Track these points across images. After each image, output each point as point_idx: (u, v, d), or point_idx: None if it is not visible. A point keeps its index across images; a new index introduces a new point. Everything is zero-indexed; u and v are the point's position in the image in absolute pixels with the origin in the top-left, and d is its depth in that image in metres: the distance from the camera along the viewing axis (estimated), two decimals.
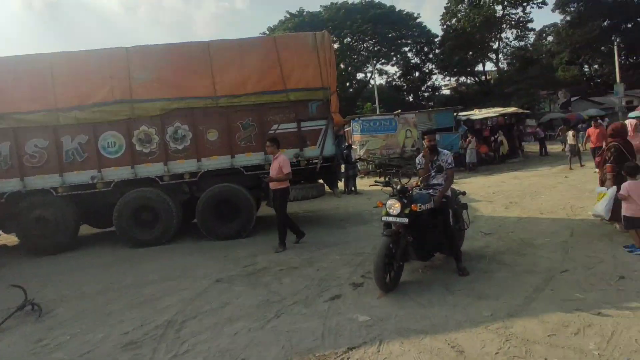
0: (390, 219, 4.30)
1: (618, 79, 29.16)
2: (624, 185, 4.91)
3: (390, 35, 39.64)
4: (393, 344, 3.20)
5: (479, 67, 43.12)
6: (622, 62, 38.37)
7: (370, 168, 16.65)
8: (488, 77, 43.12)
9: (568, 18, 43.80)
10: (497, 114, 18.99)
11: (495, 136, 18.20)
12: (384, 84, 44.66)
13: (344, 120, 12.04)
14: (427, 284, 4.41)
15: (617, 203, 5.16)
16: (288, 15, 38.31)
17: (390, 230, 4.31)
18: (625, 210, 4.89)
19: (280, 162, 6.26)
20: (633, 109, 24.94)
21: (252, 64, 7.32)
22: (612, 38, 34.64)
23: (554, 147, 21.29)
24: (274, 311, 4.03)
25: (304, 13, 38.21)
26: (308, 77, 7.45)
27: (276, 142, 6.42)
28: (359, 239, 6.67)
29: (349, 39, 39.37)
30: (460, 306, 3.79)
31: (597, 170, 6.65)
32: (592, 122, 9.96)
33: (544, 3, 39.85)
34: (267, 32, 37.10)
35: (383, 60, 41.53)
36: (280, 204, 6.34)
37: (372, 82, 38.71)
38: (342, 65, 39.18)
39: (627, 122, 7.27)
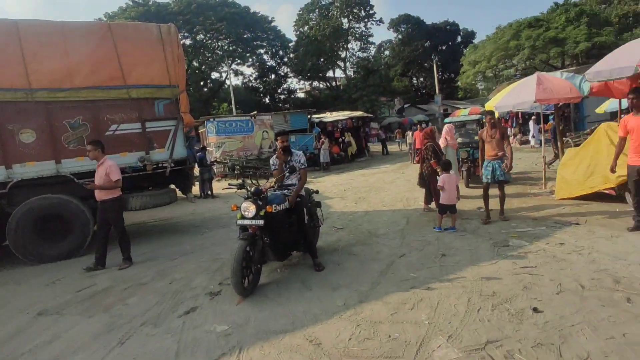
0: (246, 221, 4.21)
1: (437, 91, 35.39)
2: (441, 177, 5.98)
3: (245, 36, 39.55)
4: (253, 349, 3.12)
5: (330, 73, 46.74)
6: (440, 77, 46.77)
7: (228, 170, 16.28)
8: (338, 83, 47.01)
9: (400, 37, 51.29)
10: (346, 117, 20.84)
11: (343, 137, 19.90)
12: (240, 84, 44.40)
13: (196, 121, 11.40)
14: (286, 283, 4.47)
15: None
16: (130, 3, 34.48)
17: (246, 234, 4.23)
18: (442, 198, 5.93)
19: (108, 168, 5.39)
20: (448, 115, 30.60)
21: (80, 53, 6.25)
22: (432, 57, 41.93)
23: (393, 147, 24.47)
24: (117, 337, 3.50)
25: (150, 2, 34.97)
26: (153, 73, 6.77)
27: (99, 145, 5.51)
28: (216, 245, 6.39)
29: (202, 36, 37.76)
30: (317, 300, 3.95)
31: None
32: (418, 126, 11.72)
33: (381, 21, 46.11)
34: (105, 20, 32.69)
35: (239, 61, 41.17)
36: (115, 216, 5.53)
37: (227, 82, 38.00)
38: (195, 63, 37.40)
39: (445, 126, 8.81)
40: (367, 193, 10.03)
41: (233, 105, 29.96)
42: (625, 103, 9.47)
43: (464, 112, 24.57)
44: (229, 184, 4.69)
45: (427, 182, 7.00)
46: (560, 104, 10.89)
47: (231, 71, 38.79)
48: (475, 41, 45.91)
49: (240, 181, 4.64)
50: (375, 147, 25.09)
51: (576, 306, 3.31)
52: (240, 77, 45.04)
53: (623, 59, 6.35)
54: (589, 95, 8.15)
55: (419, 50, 49.27)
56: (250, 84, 44.78)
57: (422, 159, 7.11)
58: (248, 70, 47.76)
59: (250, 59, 41.96)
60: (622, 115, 6.41)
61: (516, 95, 8.35)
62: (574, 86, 7.85)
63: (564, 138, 11.59)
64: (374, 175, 13.62)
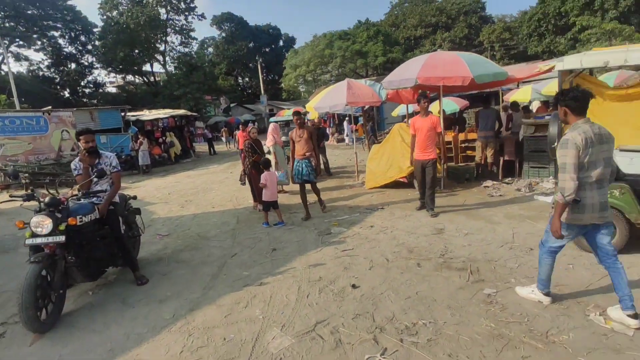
0: (39, 240, 3.41)
1: (262, 91, 36.56)
2: (263, 175, 6.15)
3: (29, 12, 32.25)
4: None
5: (148, 67, 42.55)
6: (265, 78, 48.43)
7: (10, 179, 12.97)
8: (157, 79, 43.27)
9: (223, 35, 50.71)
10: (168, 115, 19.31)
11: (164, 137, 18.40)
12: (25, 72, 36.04)
13: None
14: (101, 306, 3.84)
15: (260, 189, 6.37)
16: None
17: (41, 255, 3.42)
18: (264, 195, 6.11)
19: None
20: (274, 115, 31.98)
21: None
22: (256, 57, 42.99)
23: (220, 147, 24.02)
24: None
25: None
26: None
27: None
28: None
29: None
30: (141, 317, 3.53)
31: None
32: (240, 126, 11.66)
33: (203, 16, 44.18)
34: None
35: (21, 43, 33.32)
36: None
37: (5, 68, 30.26)
38: None
39: (271, 125, 9.07)
40: (194, 195, 9.54)
41: (15, 98, 24.02)
42: (411, 108, 11.77)
43: (288, 113, 26.17)
44: (11, 196, 3.73)
45: (249, 180, 7.08)
46: (367, 107, 12.73)
47: (9, 55, 31.04)
48: (296, 46, 49.43)
49: (29, 191, 3.73)
50: (201, 147, 24.17)
51: (383, 277, 3.90)
52: (25, 64, 36.56)
53: (407, 72, 7.83)
54: (387, 101, 9.78)
55: (244, 50, 49.89)
56: (41, 73, 36.80)
57: (244, 157, 7.20)
58: (37, 56, 39.10)
59: (38, 42, 34.48)
60: (408, 119, 7.87)
61: (331, 98, 9.30)
62: (375, 92, 9.27)
63: (370, 135, 13.62)
64: (201, 176, 13.06)
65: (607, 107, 5.69)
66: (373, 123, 19.32)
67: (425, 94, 6.14)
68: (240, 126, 11.29)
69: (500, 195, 6.75)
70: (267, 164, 6.33)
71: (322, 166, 10.62)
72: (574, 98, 2.84)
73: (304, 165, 6.17)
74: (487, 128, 8.08)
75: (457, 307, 3.23)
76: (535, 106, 10.80)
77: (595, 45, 20.99)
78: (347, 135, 20.17)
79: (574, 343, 2.68)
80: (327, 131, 21.45)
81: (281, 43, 56.09)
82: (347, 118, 19.50)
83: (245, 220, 6.67)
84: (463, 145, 9.73)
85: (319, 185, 9.01)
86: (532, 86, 12.95)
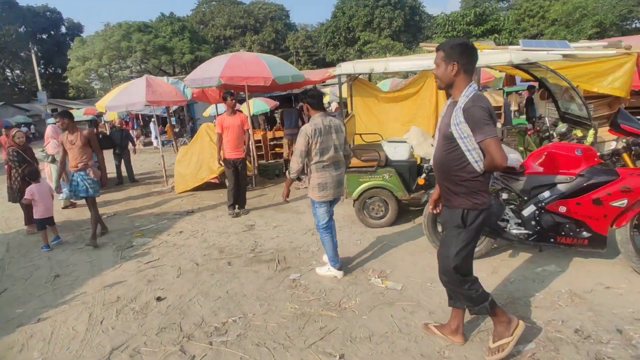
0: None
1: (40, 87, 29.92)
2: (29, 189, 5.05)
3: None
4: None
5: None
6: (44, 71, 39.68)
7: None
8: None
9: None
10: None
11: None
12: None
13: None
14: None
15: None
16: None
17: None
18: (36, 212, 5.05)
19: None
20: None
21: None
22: (30, 45, 34.76)
23: None
24: None
25: None
26: None
27: None
28: None
29: None
30: None
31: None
32: (3, 130, 9.24)
33: None
34: None
35: None
36: None
37: None
38: None
39: (49, 127, 7.50)
40: None
41: None
42: (221, 107, 11.67)
43: (78, 113, 22.32)
44: None
45: (19, 196, 5.68)
46: (175, 107, 11.93)
47: None
48: (84, 35, 42.14)
49: None
50: None
51: (192, 282, 3.74)
52: None
53: (209, 71, 7.70)
54: (195, 100, 9.39)
55: (12, 35, 39.64)
56: None
57: (10, 168, 5.77)
58: None
59: None
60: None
61: (127, 95, 8.35)
62: (178, 91, 8.77)
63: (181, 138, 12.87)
64: None
65: (382, 107, 6.97)
66: (193, 123, 18.45)
67: (232, 92, 6.14)
68: (3, 130, 8.90)
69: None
70: (33, 175, 5.16)
71: (123, 174, 9.46)
72: (311, 96, 3.55)
73: (79, 180, 4.98)
74: (292, 126, 8.73)
75: (266, 297, 3.37)
76: (333, 107, 12.28)
77: (374, 57, 25.40)
78: (155, 138, 18.56)
79: (360, 306, 3.14)
80: (132, 133, 19.29)
81: (64, 30, 47.01)
82: (153, 119, 17.92)
83: (18, 247, 5.32)
84: (272, 143, 10.25)
85: (121, 194, 8.05)
86: (330, 89, 14.71)
